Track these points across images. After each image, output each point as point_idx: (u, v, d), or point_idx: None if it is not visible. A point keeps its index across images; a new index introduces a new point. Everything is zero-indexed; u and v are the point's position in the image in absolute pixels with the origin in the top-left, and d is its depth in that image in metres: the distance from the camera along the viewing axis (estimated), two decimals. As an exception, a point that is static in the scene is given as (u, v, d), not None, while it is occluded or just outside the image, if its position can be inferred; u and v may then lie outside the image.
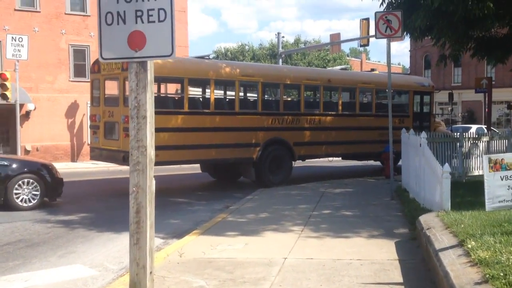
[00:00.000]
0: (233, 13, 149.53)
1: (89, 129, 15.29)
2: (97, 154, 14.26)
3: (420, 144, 9.36)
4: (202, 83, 15.68)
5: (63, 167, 21.59)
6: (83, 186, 15.27)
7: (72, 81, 24.61)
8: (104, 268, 6.90)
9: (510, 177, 5.27)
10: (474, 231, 5.60)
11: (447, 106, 39.80)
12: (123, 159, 12.87)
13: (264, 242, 7.57)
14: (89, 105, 16.28)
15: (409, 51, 54.05)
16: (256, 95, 15.22)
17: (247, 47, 59.89)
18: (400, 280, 5.60)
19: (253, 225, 8.78)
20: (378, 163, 19.31)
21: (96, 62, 14.35)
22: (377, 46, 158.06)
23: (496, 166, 5.29)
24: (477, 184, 11.35)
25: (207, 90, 14.73)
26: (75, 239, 8.61)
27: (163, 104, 13.46)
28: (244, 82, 14.68)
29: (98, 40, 4.71)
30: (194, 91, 15.77)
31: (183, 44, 27.16)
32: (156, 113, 12.66)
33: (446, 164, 7.46)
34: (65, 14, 24.30)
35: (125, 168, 14.52)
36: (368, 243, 7.36)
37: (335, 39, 29.93)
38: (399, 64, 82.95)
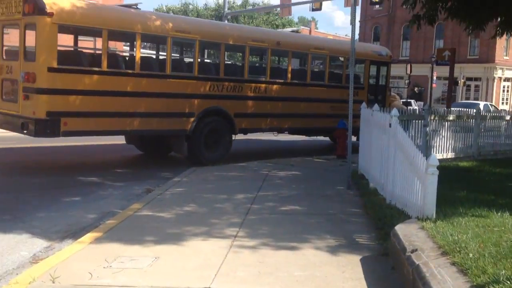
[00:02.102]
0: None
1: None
2: (-7, 118, 11.54)
3: (390, 124, 7.43)
4: (126, 38, 13.09)
5: (-33, 131, 18.47)
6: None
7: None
8: None
9: None
10: (493, 267, 3.68)
11: (394, 79, 38.66)
12: (22, 126, 10.31)
13: (181, 256, 5.42)
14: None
15: (359, 21, 52.63)
16: (192, 56, 12.82)
17: (191, 6, 56.31)
18: None
19: (173, 225, 6.60)
20: (327, 138, 17.57)
21: (-7, 4, 11.47)
22: (325, 18, 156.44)
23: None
24: (450, 172, 9.70)
25: (132, 47, 12.19)
26: None
27: (74, 60, 10.85)
28: (178, 39, 12.16)
29: None
30: (116, 47, 13.13)
31: (117, -4, 24.13)
32: (66, 71, 10.31)
33: (433, 155, 5.53)
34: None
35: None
36: (324, 260, 5.37)
37: (286, 1, 27.66)
38: (346, 35, 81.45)
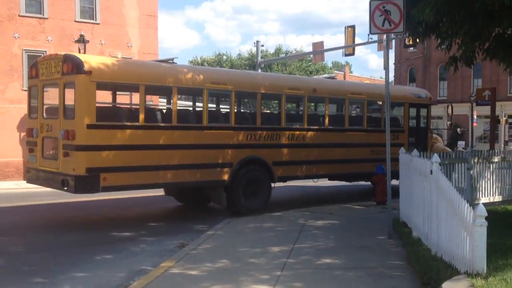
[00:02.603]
0: (216, 27, 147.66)
1: (26, 146, 12.67)
2: (34, 176, 11.69)
3: (431, 171, 7.07)
4: (162, 91, 13.25)
5: (11, 187, 18.92)
6: (12, 215, 12.61)
7: (25, 90, 21.97)
8: None
9: None
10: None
11: (433, 120, 37.85)
12: (63, 183, 10.35)
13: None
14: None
15: (393, 64, 52.29)
16: (228, 107, 12.84)
17: (225, 57, 57.41)
18: None
19: (203, 284, 6.34)
20: (368, 183, 17.10)
21: (34, 65, 11.86)
22: (359, 61, 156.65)
23: None
24: (497, 217, 9.12)
25: (169, 100, 12.29)
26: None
27: (112, 116, 11.00)
28: (213, 90, 12.19)
29: None
30: (152, 100, 13.30)
31: (153, 51, 24.81)
32: (104, 127, 10.36)
33: (481, 204, 5.16)
34: (19, 16, 21.84)
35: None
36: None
37: (318, 48, 27.86)
38: (381, 78, 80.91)
